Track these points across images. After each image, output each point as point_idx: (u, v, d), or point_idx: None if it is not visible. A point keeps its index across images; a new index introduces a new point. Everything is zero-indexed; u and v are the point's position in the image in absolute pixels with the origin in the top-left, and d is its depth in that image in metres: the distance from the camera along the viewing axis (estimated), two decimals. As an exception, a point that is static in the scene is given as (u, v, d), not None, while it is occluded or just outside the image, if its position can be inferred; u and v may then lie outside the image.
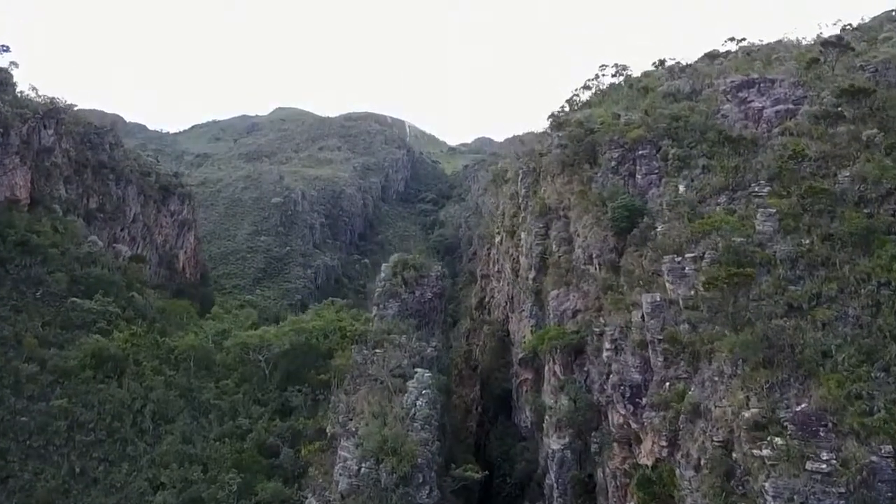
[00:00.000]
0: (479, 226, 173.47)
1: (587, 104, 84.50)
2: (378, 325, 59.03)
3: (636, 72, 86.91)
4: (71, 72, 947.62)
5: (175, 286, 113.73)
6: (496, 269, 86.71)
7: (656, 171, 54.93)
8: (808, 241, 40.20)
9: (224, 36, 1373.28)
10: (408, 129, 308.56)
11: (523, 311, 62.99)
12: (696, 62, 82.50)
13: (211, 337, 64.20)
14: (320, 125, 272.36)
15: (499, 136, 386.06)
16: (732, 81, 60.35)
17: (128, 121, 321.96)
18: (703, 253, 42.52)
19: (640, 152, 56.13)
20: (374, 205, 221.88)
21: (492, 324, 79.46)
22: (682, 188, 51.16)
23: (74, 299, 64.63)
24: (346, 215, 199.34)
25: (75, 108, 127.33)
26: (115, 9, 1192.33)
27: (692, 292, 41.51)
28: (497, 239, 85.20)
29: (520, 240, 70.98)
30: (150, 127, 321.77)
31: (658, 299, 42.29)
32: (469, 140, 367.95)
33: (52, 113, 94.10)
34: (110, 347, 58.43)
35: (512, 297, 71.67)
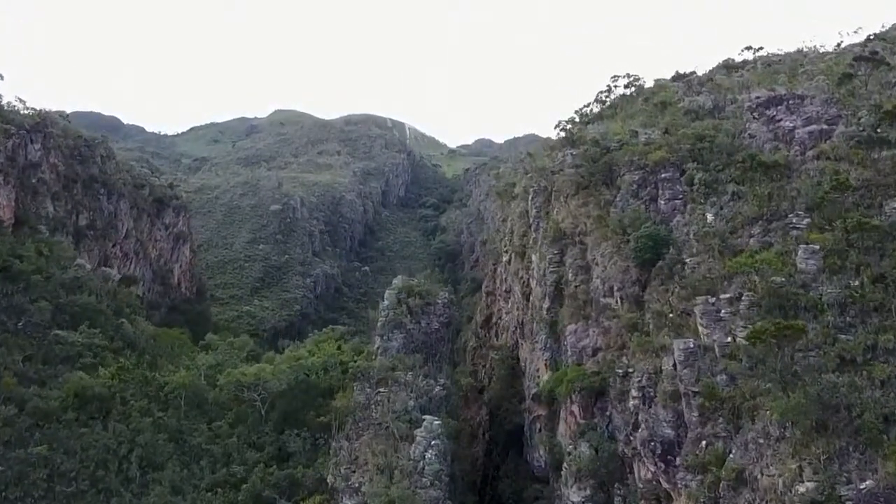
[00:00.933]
0: (481, 232, 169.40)
1: (599, 116, 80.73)
2: (381, 360, 55.04)
3: (648, 79, 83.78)
4: (69, 73, 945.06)
5: (169, 303, 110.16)
6: (504, 288, 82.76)
7: (681, 196, 51.21)
8: (857, 283, 36.59)
9: (223, 37, 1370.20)
10: (408, 132, 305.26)
11: (536, 342, 59.14)
12: (713, 71, 78.93)
13: (203, 372, 60.17)
14: (320, 129, 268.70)
15: (499, 138, 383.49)
16: (758, 97, 56.69)
17: (126, 123, 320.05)
18: (740, 294, 38.80)
19: (663, 175, 52.49)
20: (375, 210, 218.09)
21: (500, 349, 75.50)
22: (710, 217, 47.36)
23: (58, 332, 60.57)
24: (345, 222, 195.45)
25: (67, 114, 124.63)
26: (115, 10, 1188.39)
27: (729, 339, 37.81)
28: (505, 258, 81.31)
29: (530, 262, 67.18)
30: (149, 129, 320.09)
31: (691, 345, 38.64)
32: (469, 141, 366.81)
33: (40, 126, 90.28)
34: (95, 386, 54.34)
35: (522, 323, 67.78)
